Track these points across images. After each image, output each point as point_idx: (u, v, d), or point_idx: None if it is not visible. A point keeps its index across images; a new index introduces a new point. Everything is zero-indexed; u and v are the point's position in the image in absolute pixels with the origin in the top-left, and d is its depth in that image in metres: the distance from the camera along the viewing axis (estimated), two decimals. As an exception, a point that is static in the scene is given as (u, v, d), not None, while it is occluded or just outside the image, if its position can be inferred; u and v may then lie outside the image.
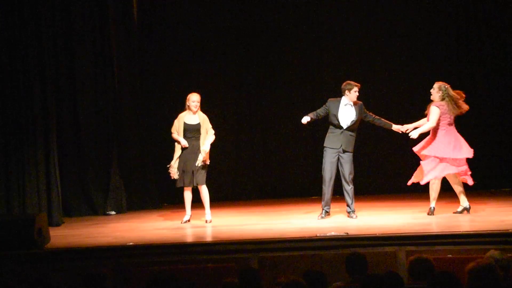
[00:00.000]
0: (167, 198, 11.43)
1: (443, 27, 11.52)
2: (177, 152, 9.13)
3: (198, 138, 9.11)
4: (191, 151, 9.05)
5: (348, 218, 8.91)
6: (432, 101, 8.84)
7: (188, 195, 9.17)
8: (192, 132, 9.10)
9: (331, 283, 5.16)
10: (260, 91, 11.85)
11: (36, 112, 9.84)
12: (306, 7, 11.81)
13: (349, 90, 8.97)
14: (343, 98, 9.01)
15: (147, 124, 11.37)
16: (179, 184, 9.13)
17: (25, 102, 9.80)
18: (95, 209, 10.68)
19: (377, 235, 7.52)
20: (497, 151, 11.19)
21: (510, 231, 7.25)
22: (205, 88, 11.69)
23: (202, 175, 9.05)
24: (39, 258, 7.56)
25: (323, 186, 9.04)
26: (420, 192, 10.89)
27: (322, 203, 9.06)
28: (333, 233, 7.61)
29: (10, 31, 9.74)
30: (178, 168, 9.04)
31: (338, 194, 11.58)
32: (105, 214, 10.62)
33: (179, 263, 7.24)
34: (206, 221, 9.18)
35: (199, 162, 9.02)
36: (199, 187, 9.11)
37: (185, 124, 9.08)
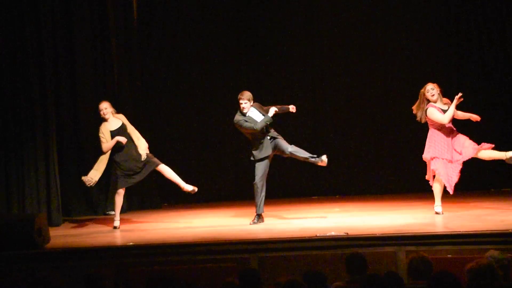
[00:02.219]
0: (167, 198, 11.45)
1: (443, 27, 11.52)
2: (101, 163, 9.06)
3: (130, 138, 9.11)
4: (129, 153, 9.03)
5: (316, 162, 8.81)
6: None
7: (120, 199, 9.12)
8: (121, 135, 9.07)
9: (331, 283, 5.16)
10: (260, 91, 11.80)
11: (36, 112, 9.84)
12: (306, 6, 11.81)
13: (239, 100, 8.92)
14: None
15: (147, 124, 11.37)
16: (122, 186, 9.04)
17: (25, 102, 9.80)
18: (95, 209, 10.68)
19: (377, 235, 7.51)
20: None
21: (510, 231, 7.25)
22: (205, 88, 11.74)
23: (153, 159, 9.05)
24: (39, 258, 7.55)
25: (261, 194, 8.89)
26: (420, 192, 10.92)
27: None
28: (333, 233, 7.60)
29: (10, 31, 9.74)
30: (124, 172, 9.00)
31: (338, 194, 11.64)
32: (105, 214, 10.62)
33: (179, 263, 7.23)
34: (192, 191, 9.14)
35: (143, 154, 9.04)
36: (159, 168, 9.08)
37: (111, 132, 9.05)
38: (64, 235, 8.82)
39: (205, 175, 11.58)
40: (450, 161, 8.59)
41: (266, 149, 8.85)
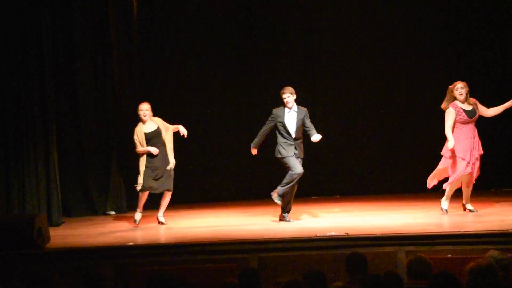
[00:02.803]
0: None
1: (443, 26, 11.52)
2: (142, 166, 9.06)
3: (163, 144, 9.10)
4: (160, 158, 9.04)
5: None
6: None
7: (145, 196, 9.16)
8: (155, 139, 9.07)
9: (331, 283, 5.16)
10: (260, 91, 11.84)
11: (36, 112, 9.84)
12: (306, 5, 11.80)
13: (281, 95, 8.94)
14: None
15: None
16: (143, 190, 9.03)
17: (25, 102, 9.80)
18: (95, 209, 10.68)
19: (377, 235, 7.51)
20: (497, 151, 11.18)
21: (510, 231, 7.25)
22: (205, 88, 11.72)
23: (171, 181, 9.09)
24: (39, 258, 7.56)
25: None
26: (420, 192, 10.92)
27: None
28: (333, 233, 7.61)
29: (10, 30, 9.74)
30: (148, 177, 8.99)
31: (338, 194, 11.63)
32: (105, 214, 10.62)
33: (179, 263, 7.24)
34: (162, 223, 9.20)
35: (171, 166, 9.06)
36: (166, 193, 9.12)
37: (145, 134, 9.06)
38: (64, 235, 8.82)
39: (205, 175, 11.58)
40: (468, 163, 8.58)
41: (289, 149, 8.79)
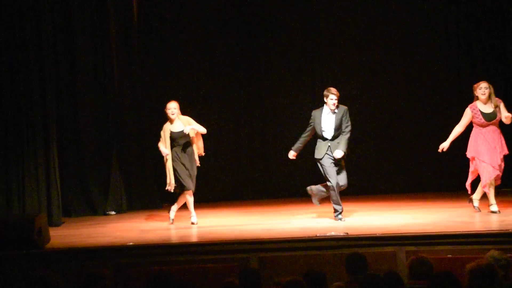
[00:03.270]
0: (167, 198, 11.42)
1: (444, 27, 11.52)
2: (169, 166, 9.02)
3: (190, 144, 9.08)
4: (188, 157, 9.03)
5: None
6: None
7: (182, 198, 9.15)
8: (181, 138, 9.04)
9: (331, 283, 5.16)
10: (260, 91, 11.84)
11: (36, 112, 9.84)
12: (307, 4, 11.80)
13: (326, 97, 8.80)
14: (324, 106, 8.82)
15: (147, 124, 11.37)
16: (189, 187, 8.99)
17: (25, 102, 9.80)
18: (95, 209, 10.68)
19: (377, 235, 7.52)
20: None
21: (510, 231, 7.25)
22: (205, 88, 11.72)
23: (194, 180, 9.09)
24: (39, 258, 7.56)
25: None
26: (420, 192, 10.93)
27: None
28: (333, 233, 7.61)
29: (10, 31, 9.74)
30: (182, 175, 8.97)
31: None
32: (105, 214, 10.62)
33: (179, 263, 7.24)
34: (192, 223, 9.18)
35: (197, 161, 9.06)
36: (189, 192, 9.09)
37: (171, 133, 9.04)
38: (64, 235, 8.82)
39: (205, 175, 11.56)
40: (493, 166, 8.53)
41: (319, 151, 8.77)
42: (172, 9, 11.71)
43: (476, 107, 8.62)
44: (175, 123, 9.07)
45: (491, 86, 8.70)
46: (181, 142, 9.03)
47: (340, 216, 8.72)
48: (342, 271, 5.52)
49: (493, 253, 5.23)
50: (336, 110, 8.74)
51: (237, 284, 4.91)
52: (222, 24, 11.76)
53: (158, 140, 9.14)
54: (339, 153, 8.65)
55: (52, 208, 9.83)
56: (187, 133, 8.91)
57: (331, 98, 8.69)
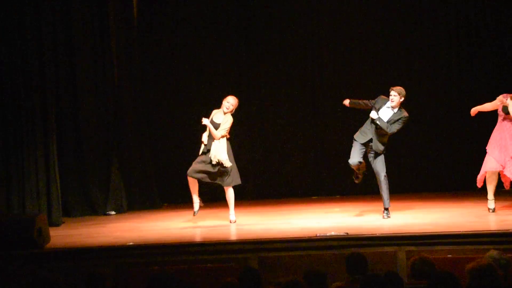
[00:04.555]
0: (167, 198, 11.44)
1: (444, 27, 11.52)
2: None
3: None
4: (208, 148, 8.98)
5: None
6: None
7: (193, 183, 9.02)
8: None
9: (331, 283, 5.16)
10: (260, 91, 11.84)
11: (36, 112, 9.84)
12: (307, 4, 11.80)
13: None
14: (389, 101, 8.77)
15: (147, 124, 11.37)
16: (188, 173, 8.93)
17: (24, 102, 9.80)
18: (95, 209, 10.68)
19: (377, 235, 7.51)
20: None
21: (510, 231, 7.25)
22: (205, 88, 11.71)
23: (226, 176, 9.04)
24: (39, 258, 7.55)
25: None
26: (420, 192, 10.93)
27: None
28: (333, 233, 7.61)
29: (10, 30, 9.74)
30: (196, 164, 8.92)
31: (338, 194, 11.63)
32: (105, 214, 10.62)
33: (179, 263, 7.24)
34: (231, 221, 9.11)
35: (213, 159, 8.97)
36: (226, 188, 9.06)
37: (211, 121, 9.01)
38: (64, 235, 8.81)
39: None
40: (495, 160, 8.49)
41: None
42: (172, 9, 11.71)
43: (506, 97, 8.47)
44: (220, 114, 9.04)
45: None
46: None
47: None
48: (342, 271, 5.52)
49: (493, 253, 5.24)
50: (395, 110, 8.70)
51: (237, 284, 4.91)
52: (222, 24, 11.76)
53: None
54: (374, 114, 8.69)
55: (52, 208, 9.83)
56: (203, 123, 8.88)
57: (391, 94, 8.68)
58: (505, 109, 8.50)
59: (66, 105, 10.57)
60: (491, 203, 8.65)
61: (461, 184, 10.97)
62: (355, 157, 8.79)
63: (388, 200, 8.73)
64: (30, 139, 9.81)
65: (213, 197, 11.47)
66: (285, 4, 11.79)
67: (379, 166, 8.72)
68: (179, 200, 11.11)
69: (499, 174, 8.65)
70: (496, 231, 7.36)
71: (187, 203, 10.93)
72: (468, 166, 11.07)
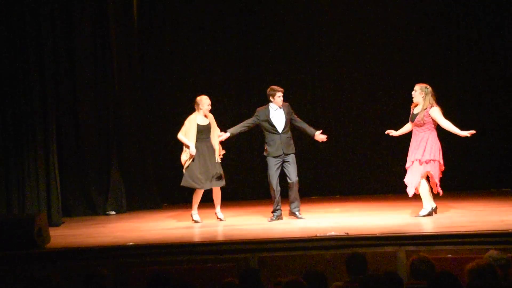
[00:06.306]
0: (167, 198, 11.44)
1: (443, 29, 11.52)
2: (186, 155, 9.05)
3: (210, 139, 9.10)
4: (209, 152, 9.04)
5: (295, 218, 8.90)
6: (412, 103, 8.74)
7: (196, 196, 9.15)
8: (205, 132, 9.07)
9: (331, 283, 5.16)
10: (260, 91, 11.82)
11: (36, 112, 9.85)
12: (308, 4, 11.80)
13: (273, 96, 8.99)
14: (270, 104, 9.00)
15: (147, 124, 11.38)
16: (197, 186, 9.03)
17: (25, 102, 9.81)
18: (95, 209, 10.68)
19: (377, 235, 7.51)
20: (497, 151, 11.19)
21: (510, 231, 7.25)
22: (205, 88, 11.70)
23: (222, 180, 9.09)
24: (39, 258, 7.55)
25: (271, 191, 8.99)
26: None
27: (274, 205, 9.01)
28: (333, 233, 7.60)
29: (10, 31, 9.75)
30: (196, 173, 8.97)
31: (338, 194, 11.64)
32: (105, 214, 10.63)
33: (179, 263, 7.24)
34: (221, 219, 9.19)
35: (217, 159, 9.05)
36: (215, 188, 9.11)
37: (198, 125, 9.04)
38: (64, 235, 8.82)
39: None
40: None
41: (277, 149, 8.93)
42: (172, 9, 11.72)
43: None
44: (201, 116, 9.07)
45: (419, 88, 8.59)
46: (204, 136, 9.05)
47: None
48: (342, 271, 5.52)
49: (493, 253, 5.23)
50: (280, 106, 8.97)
51: (237, 284, 4.91)
52: (223, 22, 11.77)
53: (178, 130, 9.10)
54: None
55: (52, 208, 9.84)
56: (224, 139, 8.96)
57: (279, 95, 8.96)
58: (412, 116, 8.58)
59: (66, 106, 10.58)
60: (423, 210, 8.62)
61: (461, 184, 10.98)
62: None
63: None
64: (30, 139, 9.82)
65: (213, 197, 11.49)
66: (285, 4, 11.80)
67: None
68: (179, 200, 11.11)
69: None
70: (496, 231, 7.35)
71: (187, 203, 10.95)
72: (468, 166, 11.10)
